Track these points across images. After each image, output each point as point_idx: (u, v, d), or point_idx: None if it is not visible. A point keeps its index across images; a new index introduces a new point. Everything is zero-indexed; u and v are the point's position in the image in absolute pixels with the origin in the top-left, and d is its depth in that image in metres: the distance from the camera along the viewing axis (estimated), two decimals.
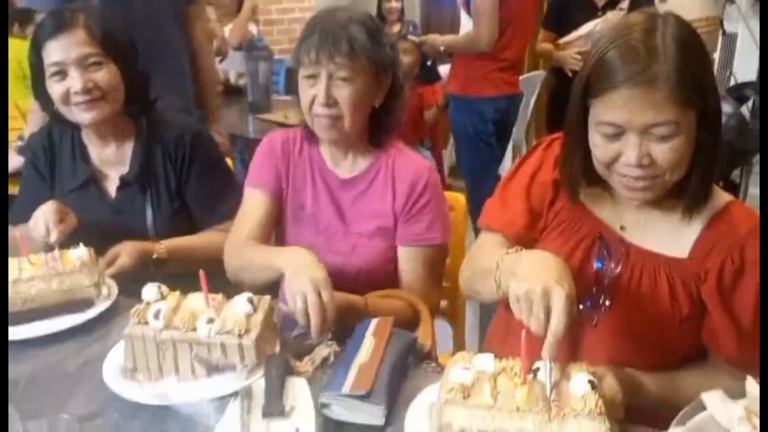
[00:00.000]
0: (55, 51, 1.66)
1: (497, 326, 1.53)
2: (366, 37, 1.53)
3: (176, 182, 1.82)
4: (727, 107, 3.08)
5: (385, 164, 1.66)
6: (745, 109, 3.25)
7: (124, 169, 1.81)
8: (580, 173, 1.28)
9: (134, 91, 1.78)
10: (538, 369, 1.07)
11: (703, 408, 0.92)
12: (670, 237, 1.26)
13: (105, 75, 1.70)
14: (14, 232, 1.74)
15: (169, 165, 1.81)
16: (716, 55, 3.70)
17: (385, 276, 1.65)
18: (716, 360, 1.27)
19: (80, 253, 1.53)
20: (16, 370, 1.31)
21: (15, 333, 1.42)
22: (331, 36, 1.50)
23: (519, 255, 1.19)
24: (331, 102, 1.53)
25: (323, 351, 1.33)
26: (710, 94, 1.13)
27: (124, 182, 1.81)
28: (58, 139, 1.85)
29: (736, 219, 1.23)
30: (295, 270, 1.39)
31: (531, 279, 1.07)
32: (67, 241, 1.59)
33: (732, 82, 4.12)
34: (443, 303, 1.93)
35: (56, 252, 1.53)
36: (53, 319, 1.47)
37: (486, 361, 1.11)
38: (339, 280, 1.53)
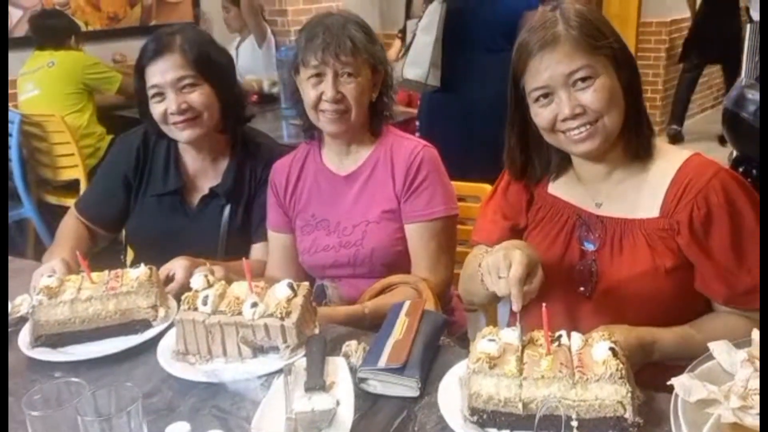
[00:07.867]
0: (154, 74, 1.79)
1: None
2: (363, 36, 1.68)
3: (251, 200, 1.93)
4: (755, 94, 3.08)
5: (384, 152, 1.76)
6: None
7: (215, 181, 1.92)
8: (521, 158, 1.47)
9: (229, 108, 1.89)
10: (560, 336, 1.13)
11: (712, 357, 0.97)
12: (641, 202, 1.37)
13: (199, 96, 1.80)
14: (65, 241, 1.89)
15: (253, 184, 1.93)
16: (745, 43, 3.67)
17: (397, 256, 1.73)
18: (718, 306, 1.35)
19: (139, 273, 1.51)
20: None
21: (72, 354, 1.42)
22: (334, 37, 1.64)
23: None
24: (338, 97, 1.66)
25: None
26: (612, 39, 1.32)
27: (212, 193, 1.91)
28: (153, 145, 1.96)
29: (697, 170, 1.32)
30: None
31: (495, 253, 1.26)
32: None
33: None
34: None
35: (118, 270, 1.55)
36: (109, 341, 1.46)
37: (511, 334, 1.18)
38: (355, 267, 1.61)
